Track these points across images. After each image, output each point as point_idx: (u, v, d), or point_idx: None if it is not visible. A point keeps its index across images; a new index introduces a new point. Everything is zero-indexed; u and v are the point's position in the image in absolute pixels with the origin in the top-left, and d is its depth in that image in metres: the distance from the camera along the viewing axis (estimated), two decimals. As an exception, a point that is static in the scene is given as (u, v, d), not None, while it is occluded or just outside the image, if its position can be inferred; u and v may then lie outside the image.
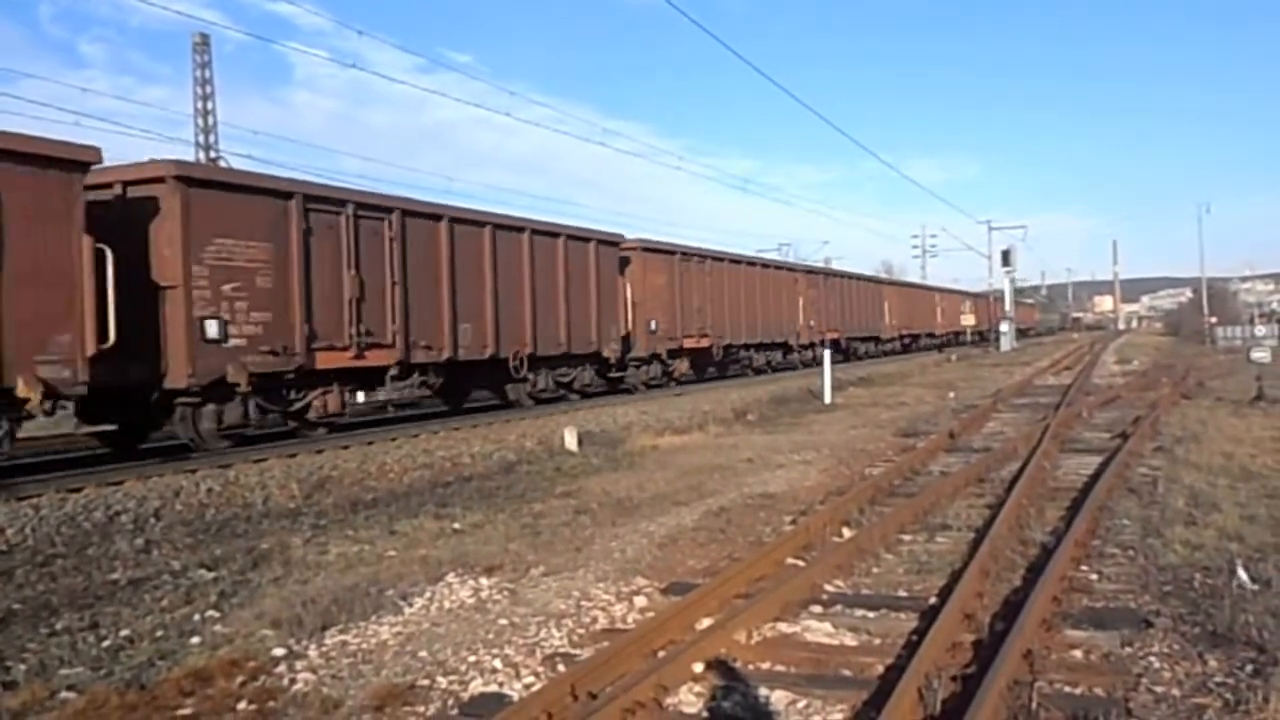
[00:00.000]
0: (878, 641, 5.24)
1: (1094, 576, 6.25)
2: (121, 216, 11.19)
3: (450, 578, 6.71)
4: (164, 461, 11.38)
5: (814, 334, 32.06)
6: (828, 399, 20.91)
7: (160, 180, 11.37)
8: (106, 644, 5.58)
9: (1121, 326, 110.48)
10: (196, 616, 6.08)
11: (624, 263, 21.13)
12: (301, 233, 12.78)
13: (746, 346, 27.43)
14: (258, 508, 9.74)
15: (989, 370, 32.43)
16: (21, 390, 9.62)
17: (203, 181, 11.91)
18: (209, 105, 35.46)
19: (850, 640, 5.29)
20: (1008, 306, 55.20)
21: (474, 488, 10.85)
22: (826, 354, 22.57)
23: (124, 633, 5.77)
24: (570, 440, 13.74)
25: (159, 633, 5.77)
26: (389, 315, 14.27)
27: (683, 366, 24.18)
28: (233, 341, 11.86)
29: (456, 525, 8.68)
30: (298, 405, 13.31)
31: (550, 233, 18.45)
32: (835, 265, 49.69)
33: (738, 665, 4.84)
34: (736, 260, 27.14)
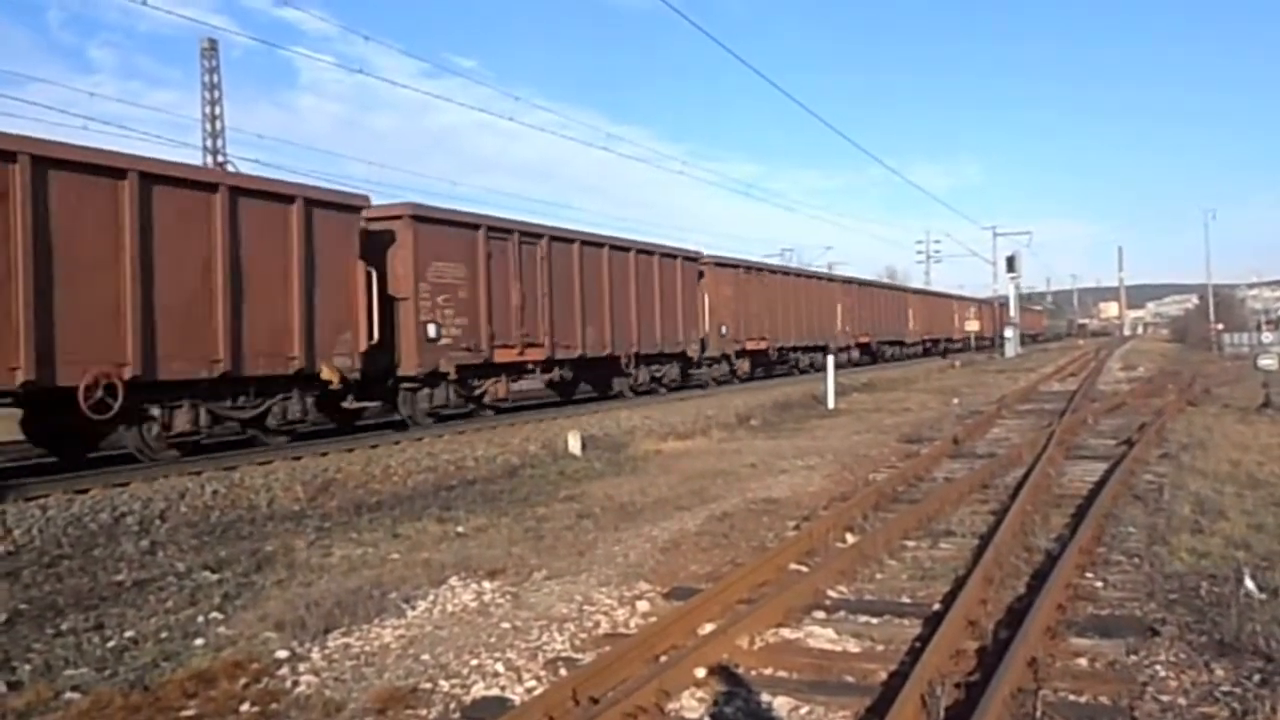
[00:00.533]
0: (881, 648, 5.22)
1: (1099, 584, 6.23)
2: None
3: (453, 581, 6.71)
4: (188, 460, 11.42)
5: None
6: (831, 404, 20.89)
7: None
8: (111, 645, 5.60)
9: (1127, 333, 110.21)
10: (200, 618, 6.09)
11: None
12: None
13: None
14: (262, 510, 9.76)
15: (993, 376, 32.38)
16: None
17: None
18: (217, 110, 35.59)
19: (853, 646, 5.28)
20: (1013, 312, 55.14)
21: (478, 491, 10.86)
22: (830, 360, 22.62)
23: (128, 634, 5.78)
24: (574, 444, 13.75)
25: (163, 634, 5.78)
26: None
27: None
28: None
29: (460, 529, 8.68)
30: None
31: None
32: (839, 270, 49.98)
33: (740, 671, 4.83)
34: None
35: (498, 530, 8.57)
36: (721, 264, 25.71)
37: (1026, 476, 9.74)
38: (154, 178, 10.97)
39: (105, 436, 11.27)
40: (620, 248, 20.75)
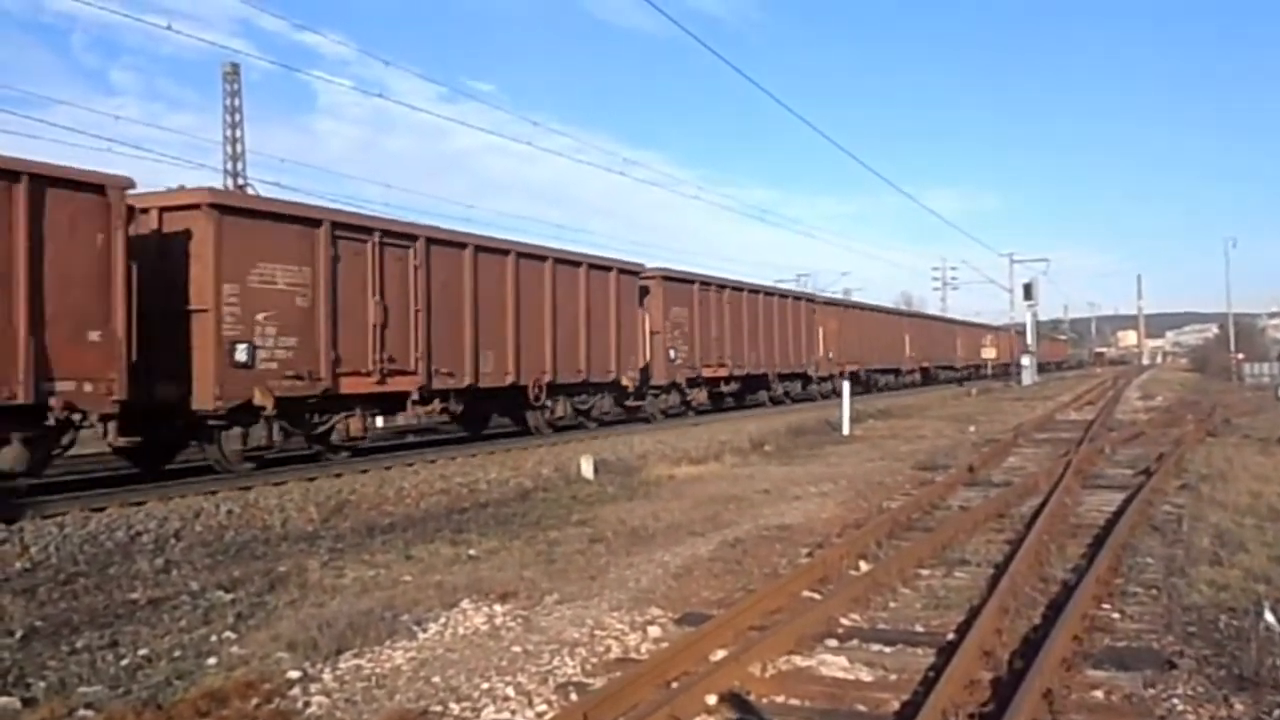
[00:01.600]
0: (894, 677, 5.18)
1: (1116, 615, 6.17)
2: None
3: (465, 604, 6.70)
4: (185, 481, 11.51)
5: (833, 365, 32.21)
6: (846, 431, 20.83)
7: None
8: (125, 663, 5.62)
9: (1146, 362, 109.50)
10: (214, 637, 6.11)
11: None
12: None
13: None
14: (276, 530, 9.81)
15: (1010, 404, 32.20)
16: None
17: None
18: (238, 133, 36.08)
19: (866, 675, 5.24)
20: (1029, 340, 54.88)
21: (490, 514, 10.87)
22: (846, 385, 22.54)
23: (142, 652, 5.81)
24: (586, 468, 13.75)
25: (176, 652, 5.80)
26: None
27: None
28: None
29: (472, 551, 8.69)
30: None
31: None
32: (856, 297, 49.85)
33: (751, 698, 4.80)
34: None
35: (510, 553, 8.58)
36: (671, 279, 22.51)
37: (1043, 506, 9.67)
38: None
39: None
40: (532, 255, 17.37)
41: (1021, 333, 56.82)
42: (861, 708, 4.75)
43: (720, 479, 13.65)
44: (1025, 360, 51.22)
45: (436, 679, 5.23)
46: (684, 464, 15.19)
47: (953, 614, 6.25)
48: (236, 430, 12.13)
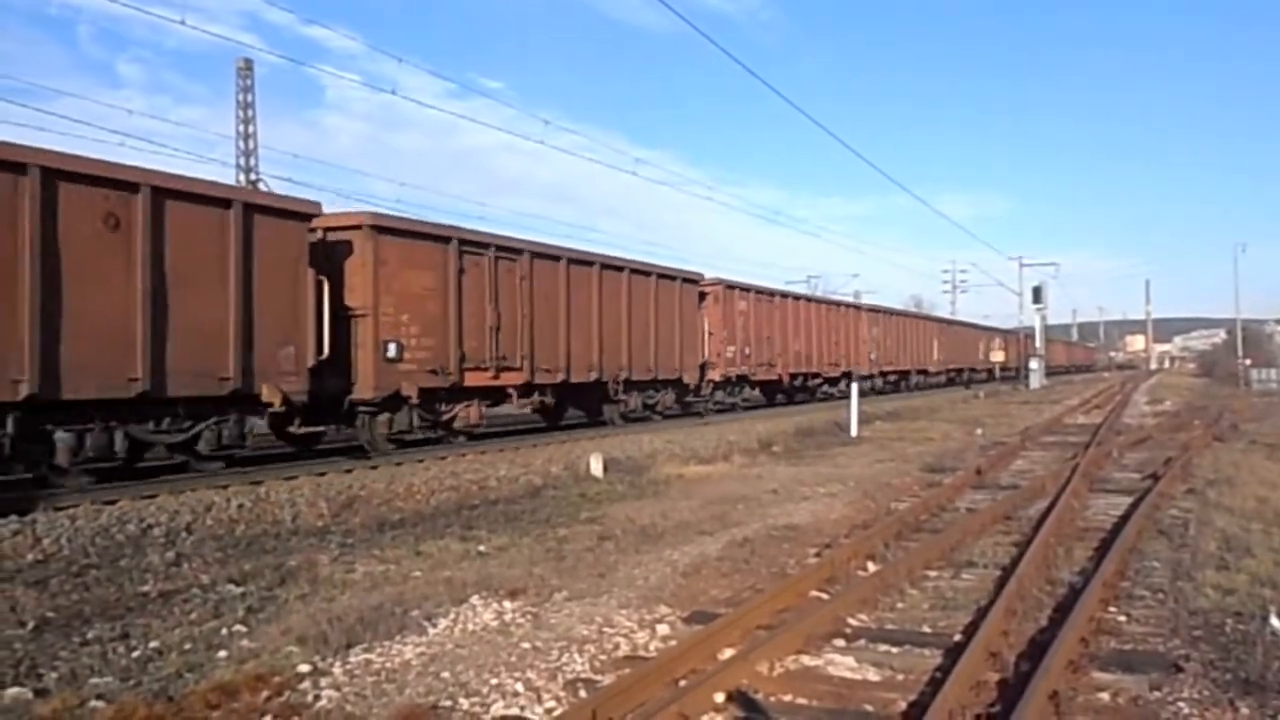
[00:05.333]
0: (901, 677, 5.20)
1: (1123, 618, 6.18)
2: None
3: (474, 600, 6.74)
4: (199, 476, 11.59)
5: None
6: (854, 432, 20.83)
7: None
8: (136, 655, 5.66)
9: (1154, 366, 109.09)
10: (224, 631, 6.15)
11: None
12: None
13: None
14: (286, 525, 9.85)
15: (1017, 408, 32.13)
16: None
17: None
18: (250, 129, 36.19)
19: (873, 675, 5.26)
20: (1038, 343, 54.77)
21: (500, 511, 10.91)
22: (854, 387, 22.52)
23: (153, 644, 5.85)
24: (596, 467, 13.78)
25: (187, 645, 5.84)
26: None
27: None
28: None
29: (481, 548, 8.72)
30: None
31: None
32: (866, 299, 49.88)
33: (759, 697, 4.83)
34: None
35: (519, 550, 8.61)
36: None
37: (1050, 509, 9.67)
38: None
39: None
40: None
41: (1031, 336, 56.70)
42: (869, 708, 4.76)
43: (729, 479, 13.67)
44: (1033, 364, 51.08)
45: (446, 674, 5.26)
46: (693, 463, 15.21)
47: (960, 615, 6.27)
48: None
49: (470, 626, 6.17)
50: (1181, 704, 4.71)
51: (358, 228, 13.94)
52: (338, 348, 13.23)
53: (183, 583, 7.44)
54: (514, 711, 4.74)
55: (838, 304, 35.15)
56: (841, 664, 5.39)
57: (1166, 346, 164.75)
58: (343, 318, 13.48)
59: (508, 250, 16.67)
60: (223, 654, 5.67)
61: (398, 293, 14.22)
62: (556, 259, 18.00)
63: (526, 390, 17.29)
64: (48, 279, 9.88)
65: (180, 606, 6.73)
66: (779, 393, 29.12)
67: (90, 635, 6.03)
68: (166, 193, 10.96)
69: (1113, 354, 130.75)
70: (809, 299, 31.83)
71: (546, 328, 17.49)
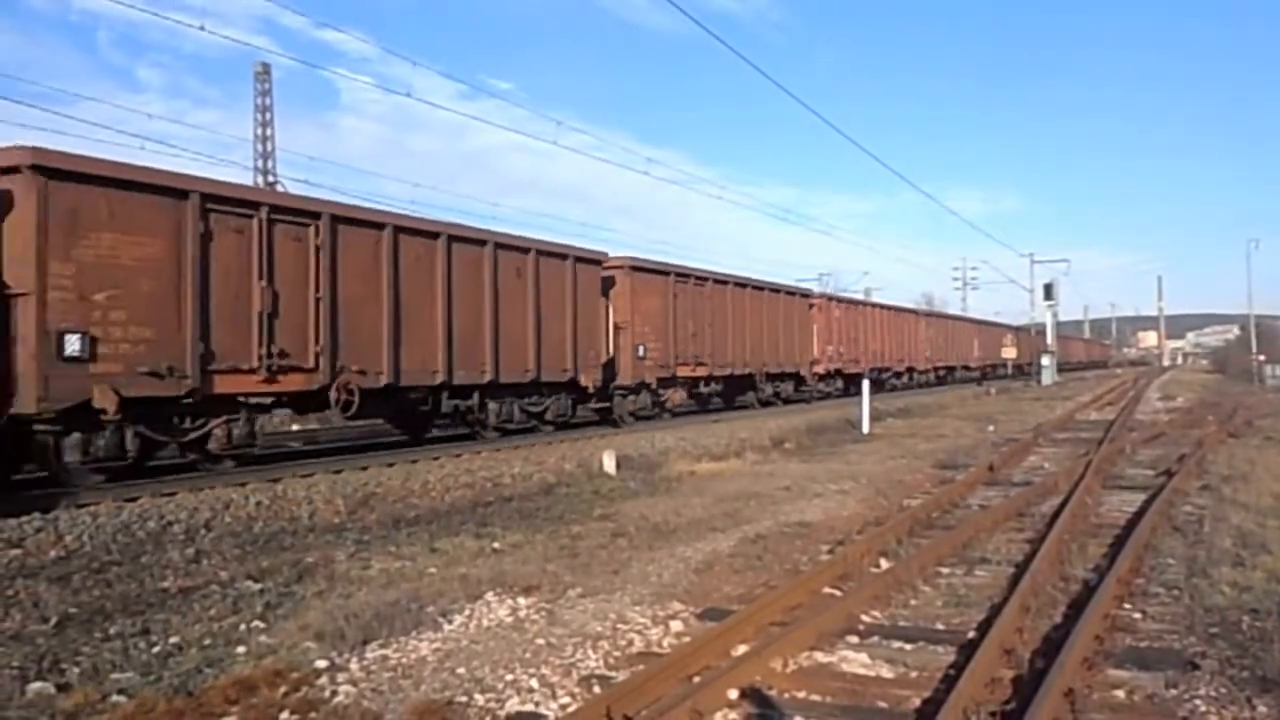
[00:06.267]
0: (915, 674, 5.21)
1: (1138, 615, 6.17)
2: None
3: (489, 596, 6.78)
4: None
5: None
6: (866, 429, 20.79)
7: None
8: (156, 650, 5.73)
9: (1166, 363, 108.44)
10: (243, 626, 6.21)
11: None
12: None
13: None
14: (304, 522, 9.92)
15: (1029, 404, 32.02)
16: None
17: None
18: (268, 132, 36.35)
19: (887, 672, 5.27)
20: (1049, 340, 54.53)
21: (514, 508, 10.96)
22: (865, 384, 22.48)
23: (173, 640, 5.91)
24: (609, 464, 13.81)
25: (206, 641, 5.91)
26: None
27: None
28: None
29: (496, 545, 8.77)
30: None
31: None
32: (876, 296, 49.77)
33: (773, 693, 4.84)
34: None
35: (533, 547, 8.65)
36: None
37: (1063, 505, 9.65)
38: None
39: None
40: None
41: (1043, 333, 56.46)
42: (883, 704, 4.78)
43: (741, 475, 13.69)
44: (1045, 360, 50.85)
45: (461, 670, 5.30)
46: (705, 460, 15.23)
47: (973, 612, 6.27)
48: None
49: (485, 623, 6.21)
50: (1198, 701, 4.70)
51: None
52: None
53: (202, 579, 7.51)
54: (529, 707, 4.77)
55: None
56: (855, 660, 5.41)
57: (1179, 343, 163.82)
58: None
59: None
60: (241, 649, 5.72)
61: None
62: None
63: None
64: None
65: (200, 602, 6.80)
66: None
67: (111, 631, 6.10)
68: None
69: (1126, 350, 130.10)
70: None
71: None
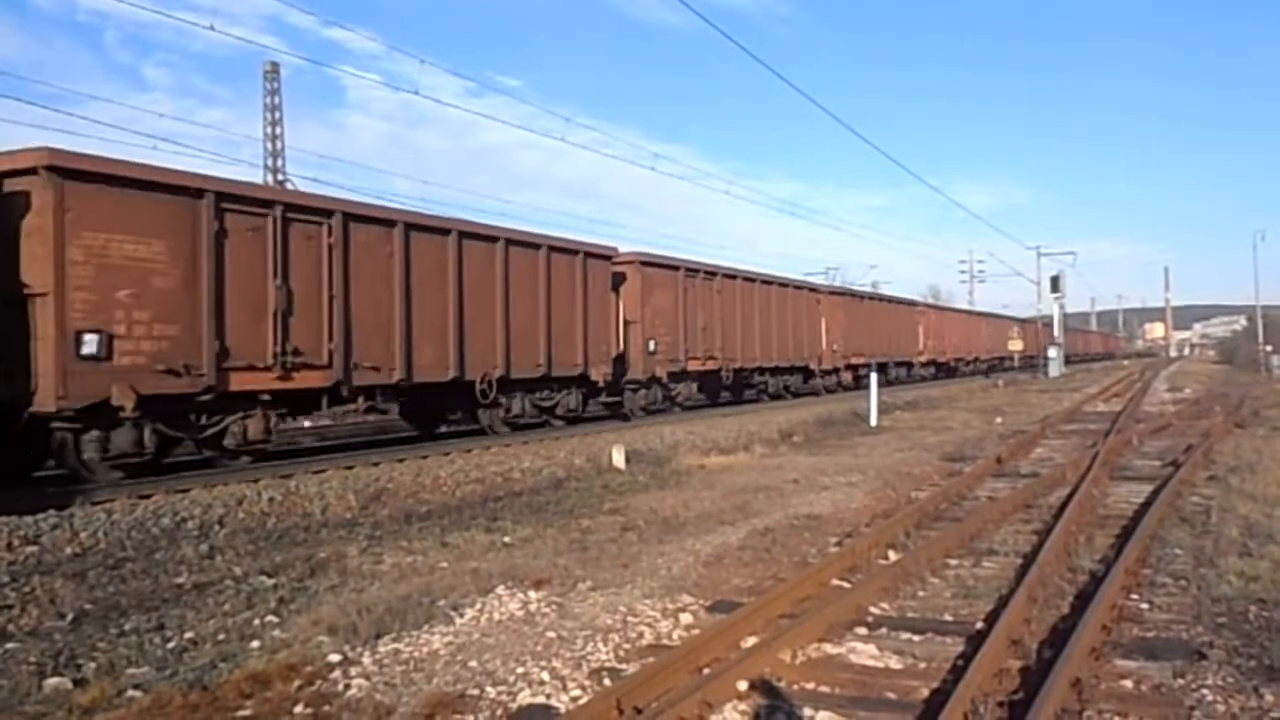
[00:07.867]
0: (923, 665, 5.24)
1: (1145, 606, 6.19)
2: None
3: (500, 590, 6.83)
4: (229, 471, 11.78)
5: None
6: (874, 422, 20.81)
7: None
8: (171, 645, 5.79)
9: (1173, 354, 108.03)
10: (256, 621, 6.27)
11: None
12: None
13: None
14: (316, 517, 9.99)
15: (1036, 396, 31.98)
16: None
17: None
18: (278, 130, 36.41)
19: (895, 663, 5.30)
20: (1056, 332, 54.42)
21: (524, 502, 11.01)
22: (874, 377, 22.48)
23: (188, 635, 5.98)
24: (618, 458, 13.85)
25: (221, 636, 5.97)
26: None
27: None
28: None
29: (507, 539, 8.82)
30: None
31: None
32: (884, 289, 49.76)
33: (782, 685, 4.88)
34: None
35: (543, 541, 8.70)
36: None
37: (1070, 497, 9.67)
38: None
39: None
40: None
41: (1049, 325, 56.35)
42: (891, 695, 4.81)
43: (750, 469, 13.72)
44: (1052, 352, 50.74)
45: (473, 663, 5.35)
46: (714, 454, 15.27)
47: (981, 603, 6.30)
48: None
49: (496, 616, 6.26)
50: (1205, 691, 4.72)
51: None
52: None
53: (216, 574, 7.57)
54: (540, 700, 4.81)
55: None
56: (864, 652, 5.44)
57: (1186, 334, 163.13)
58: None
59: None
60: (255, 644, 5.78)
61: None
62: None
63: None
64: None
65: (214, 598, 6.86)
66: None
67: (127, 626, 6.17)
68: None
69: (1134, 341, 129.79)
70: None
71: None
